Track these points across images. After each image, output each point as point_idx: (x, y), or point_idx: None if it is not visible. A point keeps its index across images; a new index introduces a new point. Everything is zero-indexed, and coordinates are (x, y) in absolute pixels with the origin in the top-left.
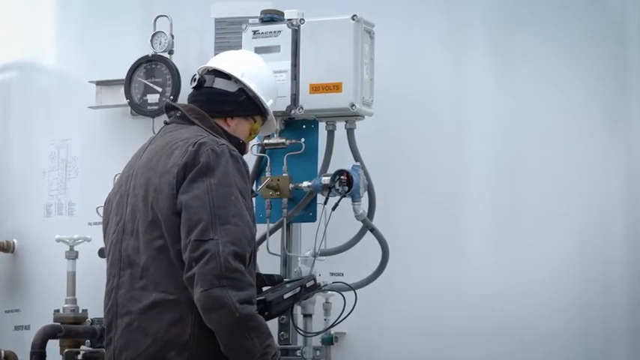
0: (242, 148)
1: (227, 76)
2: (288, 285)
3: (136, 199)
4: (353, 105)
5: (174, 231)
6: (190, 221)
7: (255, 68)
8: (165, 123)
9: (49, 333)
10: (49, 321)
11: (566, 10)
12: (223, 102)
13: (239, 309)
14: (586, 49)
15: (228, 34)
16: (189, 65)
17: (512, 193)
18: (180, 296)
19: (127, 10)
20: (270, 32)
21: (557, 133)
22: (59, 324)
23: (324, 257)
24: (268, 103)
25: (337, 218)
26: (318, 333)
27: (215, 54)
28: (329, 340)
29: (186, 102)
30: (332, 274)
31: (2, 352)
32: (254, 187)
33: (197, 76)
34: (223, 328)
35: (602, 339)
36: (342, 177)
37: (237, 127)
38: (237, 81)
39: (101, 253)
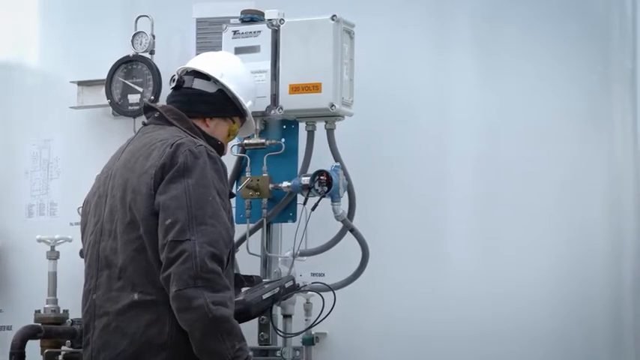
0: (220, 149)
1: (206, 77)
2: (267, 286)
3: (114, 200)
4: (332, 105)
5: (152, 232)
6: (167, 222)
7: (234, 69)
8: (144, 124)
9: (28, 333)
10: (31, 321)
11: (552, 8)
12: (202, 102)
13: (213, 310)
14: (571, 48)
15: (209, 34)
16: (170, 65)
17: (496, 193)
18: (158, 297)
19: (111, 10)
20: (250, 32)
21: (543, 132)
22: (39, 324)
23: (305, 258)
24: (247, 104)
25: (318, 219)
26: (297, 334)
27: (196, 54)
28: (310, 341)
29: (166, 102)
30: (313, 274)
31: None
32: (235, 188)
33: (176, 77)
34: (196, 328)
35: (586, 344)
36: (321, 177)
37: (216, 128)
38: (216, 82)
39: (82, 253)
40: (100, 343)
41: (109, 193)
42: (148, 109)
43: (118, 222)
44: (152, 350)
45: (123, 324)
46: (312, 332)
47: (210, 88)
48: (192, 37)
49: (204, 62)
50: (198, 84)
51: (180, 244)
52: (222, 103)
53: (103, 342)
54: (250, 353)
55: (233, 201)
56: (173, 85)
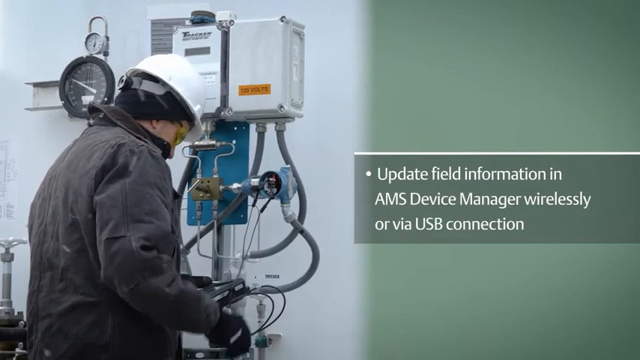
0: (166, 149)
1: (155, 79)
2: (217, 288)
3: (57, 202)
4: (281, 106)
5: (93, 233)
6: (102, 220)
7: (183, 72)
8: (89, 125)
9: None
10: None
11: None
12: (149, 104)
13: (169, 293)
14: None
15: (164, 35)
16: (126, 67)
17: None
18: (99, 298)
19: (70, 12)
20: (200, 34)
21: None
22: None
23: (256, 259)
24: (195, 108)
25: (271, 220)
26: None
27: (152, 56)
28: (263, 342)
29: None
30: (268, 276)
31: None
32: (185, 189)
33: (124, 78)
34: (164, 315)
35: None
36: (270, 179)
37: (163, 130)
38: (164, 84)
39: None
40: (43, 346)
41: (52, 194)
42: (93, 110)
43: (60, 223)
44: (94, 352)
45: (64, 326)
46: (266, 334)
47: (158, 90)
48: (148, 39)
49: (153, 64)
50: (146, 86)
51: (115, 241)
52: (170, 106)
53: (45, 344)
54: (216, 304)
55: (184, 203)
56: (121, 86)
